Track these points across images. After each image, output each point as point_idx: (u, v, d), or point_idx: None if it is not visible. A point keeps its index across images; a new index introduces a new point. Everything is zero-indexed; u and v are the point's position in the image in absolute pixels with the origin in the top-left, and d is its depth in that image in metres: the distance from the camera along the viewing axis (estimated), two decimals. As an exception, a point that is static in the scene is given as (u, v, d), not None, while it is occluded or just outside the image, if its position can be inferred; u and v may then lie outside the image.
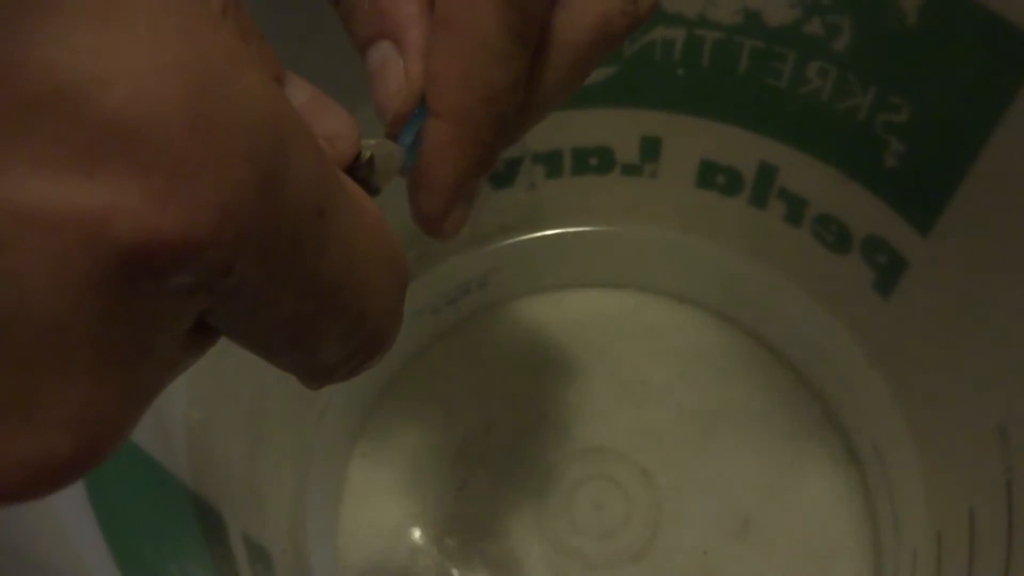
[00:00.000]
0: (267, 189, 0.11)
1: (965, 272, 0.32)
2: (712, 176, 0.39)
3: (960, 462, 0.33)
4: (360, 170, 0.16)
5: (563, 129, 0.38)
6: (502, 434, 0.42)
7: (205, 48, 0.10)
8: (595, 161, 0.40)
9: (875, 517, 0.39)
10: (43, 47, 0.09)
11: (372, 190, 0.17)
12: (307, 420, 0.38)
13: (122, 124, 0.09)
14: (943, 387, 0.34)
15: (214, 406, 0.29)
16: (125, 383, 0.11)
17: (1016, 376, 0.30)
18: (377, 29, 0.18)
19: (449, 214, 0.19)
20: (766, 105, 0.34)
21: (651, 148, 0.39)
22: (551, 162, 0.40)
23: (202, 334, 0.12)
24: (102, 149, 0.09)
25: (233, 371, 0.29)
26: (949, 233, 0.32)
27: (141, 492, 0.24)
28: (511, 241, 0.43)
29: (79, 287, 0.10)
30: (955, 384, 0.33)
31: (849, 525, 0.40)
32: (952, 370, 0.33)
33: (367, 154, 0.16)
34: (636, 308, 0.45)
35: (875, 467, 0.39)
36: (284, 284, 0.12)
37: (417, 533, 0.40)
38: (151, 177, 0.10)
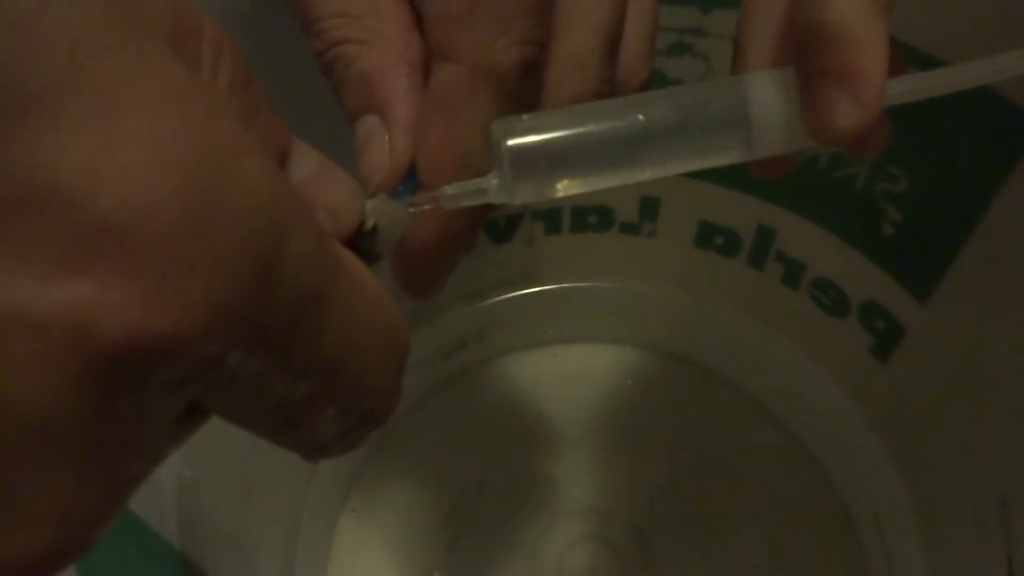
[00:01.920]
0: (262, 280, 0.11)
1: (963, 340, 0.32)
2: (710, 237, 0.39)
3: (960, 534, 0.33)
4: (363, 239, 0.16)
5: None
6: (495, 491, 0.42)
7: (202, 143, 0.10)
8: (594, 219, 0.40)
9: (873, 585, 0.39)
10: (37, 148, 0.09)
11: (374, 258, 0.17)
12: (298, 476, 0.37)
13: (112, 224, 0.09)
14: (943, 455, 0.34)
15: (205, 464, 0.28)
16: (109, 477, 0.10)
17: (1016, 446, 0.30)
18: (365, 103, 0.18)
19: (435, 280, 0.19)
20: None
21: (650, 208, 0.39)
22: (550, 219, 0.40)
23: (192, 416, 0.12)
24: (91, 249, 0.09)
25: (225, 429, 0.29)
26: (947, 302, 0.32)
27: (126, 553, 0.23)
28: (509, 296, 0.43)
29: (64, 387, 0.09)
30: (955, 452, 0.33)
31: (846, 593, 0.39)
32: (952, 438, 0.33)
33: (370, 223, 0.16)
34: (633, 365, 0.45)
35: (873, 533, 0.39)
36: (278, 371, 0.11)
37: (406, 592, 0.39)
38: (140, 276, 0.10)
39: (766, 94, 0.17)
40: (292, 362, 0.12)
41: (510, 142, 0.16)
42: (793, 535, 0.40)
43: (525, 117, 0.17)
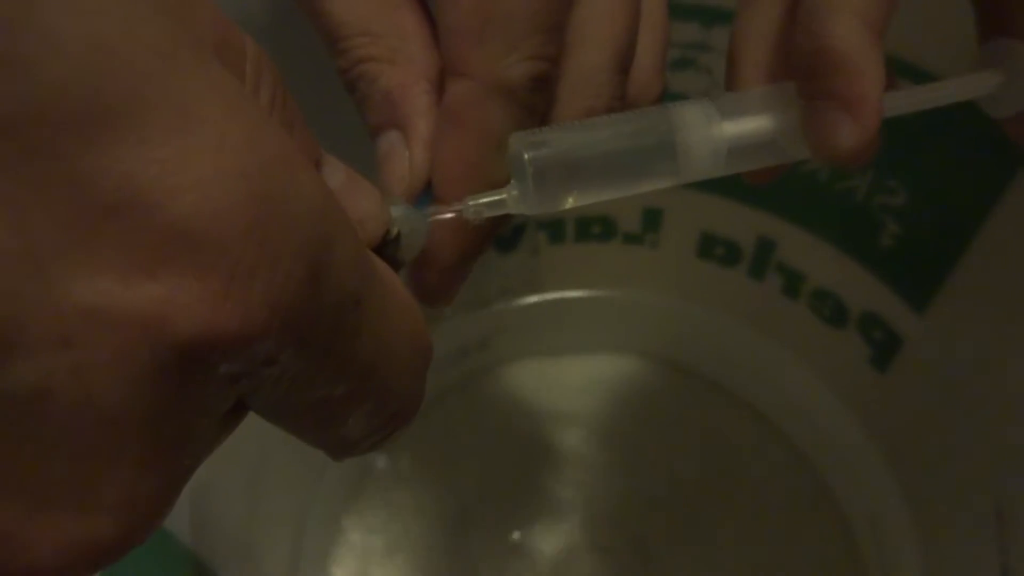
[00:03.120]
0: (313, 283, 0.11)
1: (960, 351, 0.32)
2: (712, 247, 0.40)
3: (956, 542, 0.33)
4: (388, 247, 0.17)
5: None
6: (497, 497, 0.42)
7: (266, 154, 0.11)
8: (597, 229, 0.41)
9: (870, 593, 0.39)
10: (119, 160, 0.10)
11: (397, 265, 0.17)
12: (306, 480, 0.38)
13: (186, 230, 0.10)
14: (940, 464, 0.34)
15: (217, 466, 0.29)
16: (168, 468, 0.11)
17: (1012, 457, 0.30)
18: (387, 118, 0.19)
19: (449, 289, 0.19)
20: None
21: (652, 219, 0.39)
22: (554, 229, 0.41)
23: (235, 412, 0.12)
24: (167, 252, 0.10)
25: (235, 434, 0.29)
26: (944, 313, 0.32)
27: (141, 550, 0.24)
28: (513, 304, 0.43)
29: (138, 380, 0.10)
30: (952, 462, 0.34)
31: (844, 601, 0.39)
32: (949, 448, 0.34)
33: (394, 231, 0.17)
34: (634, 374, 0.46)
35: (871, 541, 0.39)
36: (320, 369, 0.12)
37: (409, 597, 0.40)
38: (210, 278, 0.10)
39: (693, 121, 0.18)
40: (333, 361, 0.12)
41: (531, 154, 0.17)
42: (792, 542, 0.41)
43: (544, 129, 0.18)
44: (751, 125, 0.18)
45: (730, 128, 0.18)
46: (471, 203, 0.18)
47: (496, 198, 0.18)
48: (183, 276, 0.10)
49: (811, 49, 0.17)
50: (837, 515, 0.41)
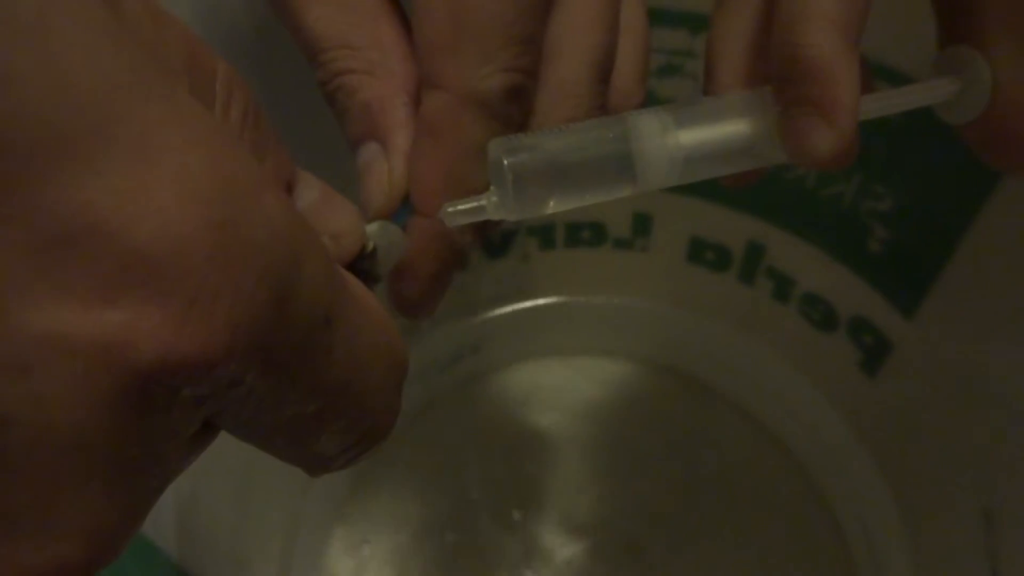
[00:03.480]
0: (279, 305, 0.11)
1: (949, 355, 0.32)
2: (702, 252, 0.40)
3: (945, 545, 0.33)
4: (364, 262, 0.17)
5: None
6: (489, 502, 0.42)
7: (228, 180, 0.11)
8: (587, 235, 0.41)
9: (862, 596, 0.39)
10: (78, 189, 0.10)
11: (375, 279, 0.17)
12: (294, 490, 0.37)
13: (146, 257, 0.10)
14: (929, 467, 0.35)
15: (204, 478, 0.29)
16: (134, 491, 0.11)
17: (1000, 461, 0.30)
18: (366, 131, 0.19)
19: (428, 301, 0.20)
20: (754, 187, 0.35)
21: (642, 224, 0.39)
22: (544, 234, 0.41)
23: (204, 433, 0.12)
24: (127, 279, 0.10)
25: (222, 444, 0.29)
26: (933, 317, 0.32)
27: (126, 565, 0.24)
28: (504, 310, 0.43)
29: (100, 406, 0.10)
30: (941, 465, 0.34)
31: (837, 604, 0.39)
32: (938, 451, 0.34)
33: (370, 245, 0.17)
34: (625, 377, 0.46)
35: (861, 544, 0.39)
36: (289, 389, 0.12)
37: (402, 604, 0.40)
38: (170, 303, 0.10)
39: (648, 132, 0.18)
40: (303, 381, 0.12)
41: (509, 160, 0.17)
42: (783, 544, 0.41)
43: (522, 135, 0.18)
44: (710, 134, 0.18)
45: (686, 137, 0.18)
46: (450, 210, 0.18)
47: (475, 204, 0.18)
48: (143, 302, 0.10)
49: (786, 57, 0.17)
50: (828, 517, 0.41)
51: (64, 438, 0.10)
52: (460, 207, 0.18)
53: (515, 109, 0.18)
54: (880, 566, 0.38)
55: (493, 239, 0.40)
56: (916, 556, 0.35)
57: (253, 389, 0.11)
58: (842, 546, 0.40)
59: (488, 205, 0.18)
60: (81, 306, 0.10)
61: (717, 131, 0.18)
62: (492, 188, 0.18)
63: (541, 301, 0.44)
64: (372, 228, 0.17)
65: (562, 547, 0.41)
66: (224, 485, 0.31)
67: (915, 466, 0.35)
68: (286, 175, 0.15)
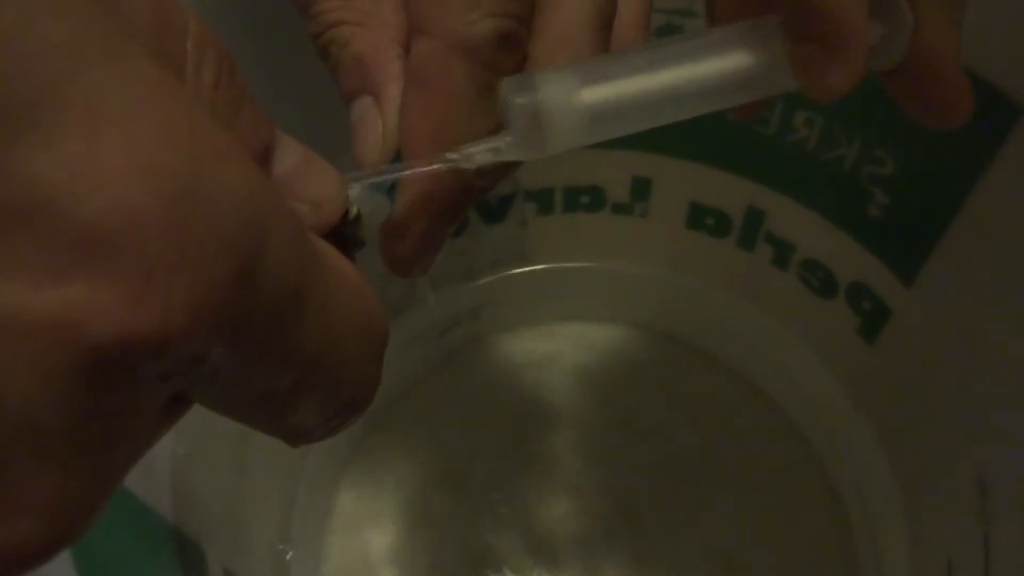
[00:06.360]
0: (243, 279, 0.11)
1: (948, 322, 0.32)
2: (701, 218, 0.39)
3: (940, 511, 0.33)
4: (347, 227, 0.17)
5: (555, 168, 0.39)
6: (488, 467, 0.42)
7: (183, 149, 0.10)
8: (586, 199, 0.40)
9: (857, 560, 0.39)
10: (23, 162, 0.09)
11: (358, 244, 0.17)
12: (293, 452, 0.38)
13: (97, 233, 0.10)
14: (926, 435, 0.35)
15: (199, 440, 0.29)
16: (97, 468, 0.11)
17: (995, 429, 0.30)
18: (359, 85, 0.19)
19: (420, 259, 0.19)
20: (754, 151, 0.35)
21: (641, 189, 0.39)
22: (542, 199, 0.40)
23: (177, 404, 0.12)
24: (78, 256, 0.10)
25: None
26: (932, 283, 0.32)
27: (119, 528, 0.24)
28: (502, 275, 0.43)
29: (53, 385, 0.10)
30: (937, 433, 0.34)
31: (832, 568, 0.40)
32: (934, 418, 0.34)
33: (354, 211, 0.17)
34: (624, 343, 0.46)
35: (858, 510, 0.40)
36: (260, 365, 0.12)
37: (403, 567, 0.40)
38: (125, 280, 0.10)
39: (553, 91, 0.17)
40: (273, 356, 0.12)
41: (521, 100, 0.17)
42: (781, 509, 0.41)
43: (535, 73, 0.17)
44: (720, 65, 0.18)
45: (588, 95, 0.17)
46: (468, 151, 0.17)
47: (492, 146, 0.17)
48: (96, 279, 0.10)
49: None
50: (825, 482, 0.41)
51: (19, 418, 0.10)
52: (473, 149, 0.17)
53: (506, 57, 0.18)
54: (876, 530, 0.38)
55: (491, 203, 0.40)
56: (911, 521, 0.35)
57: (220, 365, 0.11)
58: (839, 510, 0.41)
59: (504, 146, 0.17)
60: (31, 284, 0.10)
61: (727, 61, 0.18)
62: (505, 129, 0.17)
63: (540, 267, 0.44)
64: (355, 193, 0.17)
65: (559, 513, 0.41)
66: (220, 447, 0.31)
67: (911, 431, 0.35)
68: (263, 138, 0.14)
